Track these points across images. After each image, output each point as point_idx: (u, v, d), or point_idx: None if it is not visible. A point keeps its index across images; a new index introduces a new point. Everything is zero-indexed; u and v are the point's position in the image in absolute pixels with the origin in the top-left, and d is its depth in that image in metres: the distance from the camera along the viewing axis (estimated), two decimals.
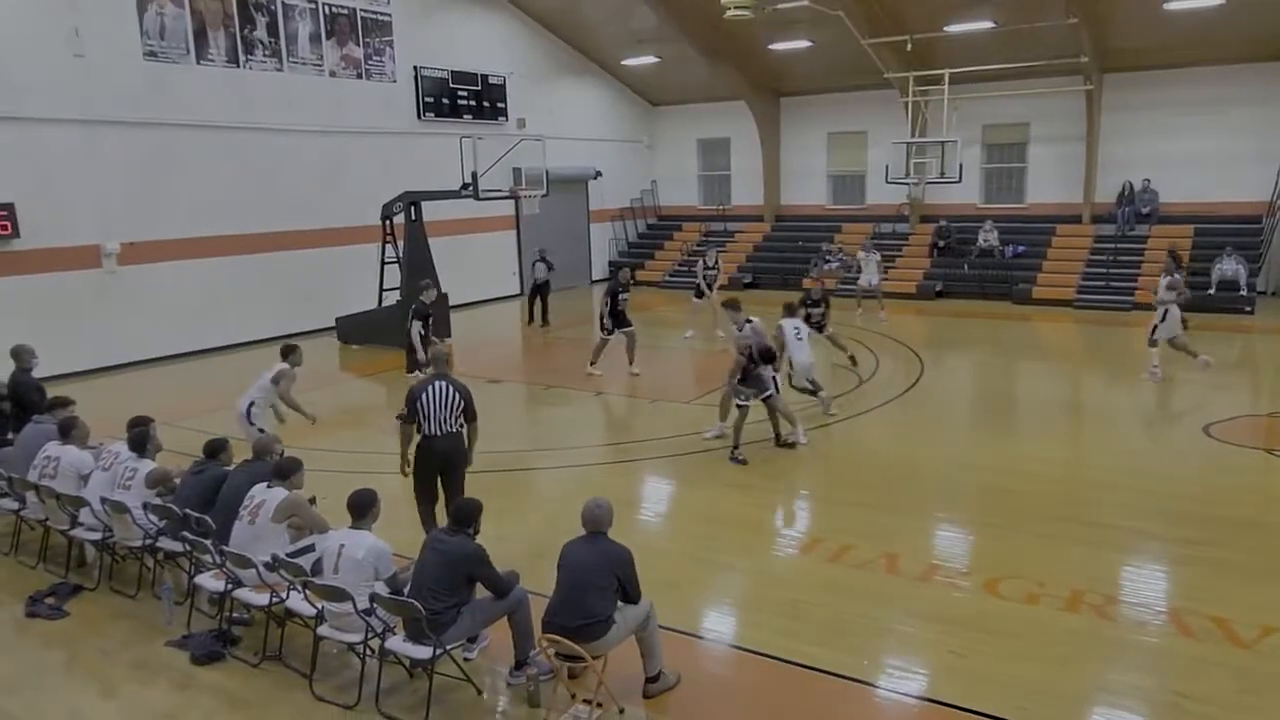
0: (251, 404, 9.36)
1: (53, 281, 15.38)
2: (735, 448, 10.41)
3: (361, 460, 10.09)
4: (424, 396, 7.53)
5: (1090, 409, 13.48)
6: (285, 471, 6.67)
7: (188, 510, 6.84)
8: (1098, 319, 19.43)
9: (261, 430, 8.94)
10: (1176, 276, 13.89)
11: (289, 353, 9.74)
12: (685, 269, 26.28)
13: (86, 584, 7.61)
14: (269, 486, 6.59)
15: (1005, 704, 5.53)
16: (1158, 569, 7.63)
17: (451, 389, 7.55)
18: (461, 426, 7.63)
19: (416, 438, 7.65)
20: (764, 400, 10.65)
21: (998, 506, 8.90)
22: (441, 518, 7.37)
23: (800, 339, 11.90)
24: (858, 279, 20.57)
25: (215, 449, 7.41)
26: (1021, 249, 22.94)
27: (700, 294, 18.15)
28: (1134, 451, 10.65)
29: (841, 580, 7.40)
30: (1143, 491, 9.21)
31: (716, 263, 18.08)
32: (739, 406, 10.44)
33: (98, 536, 7.56)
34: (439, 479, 7.69)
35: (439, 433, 7.54)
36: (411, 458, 7.72)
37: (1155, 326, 13.78)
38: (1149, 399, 13.56)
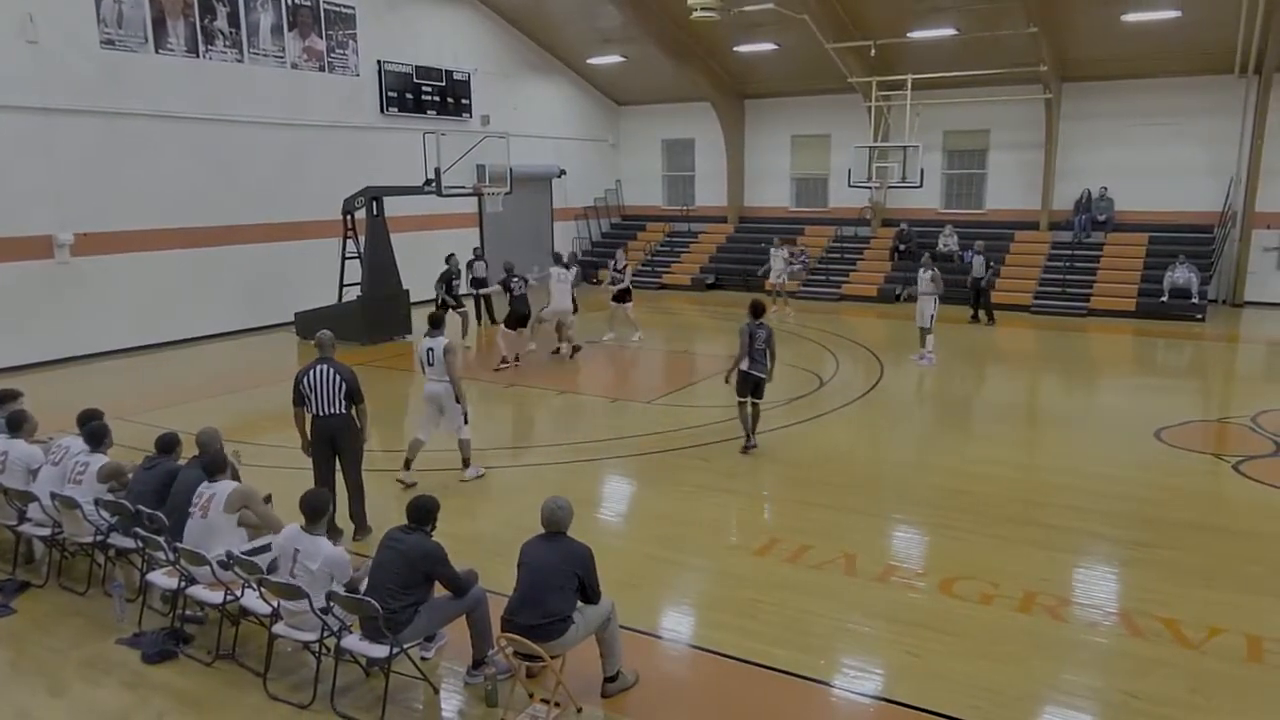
0: (454, 383, 9.47)
1: (3, 272, 15.06)
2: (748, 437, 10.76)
3: None
4: (306, 379, 7.99)
5: (1045, 412, 13.68)
6: (213, 470, 6.62)
7: (140, 506, 6.73)
8: (1054, 324, 19.72)
9: (464, 410, 9.48)
10: (936, 271, 15.68)
11: (438, 323, 9.77)
12: (648, 269, 26.39)
13: (35, 580, 7.46)
14: (211, 482, 6.51)
15: (959, 703, 5.59)
16: (1109, 570, 7.76)
17: (333, 371, 7.98)
18: (348, 408, 8.03)
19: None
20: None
21: (954, 508, 9.00)
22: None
23: (562, 283, 15.33)
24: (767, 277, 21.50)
25: (169, 444, 7.29)
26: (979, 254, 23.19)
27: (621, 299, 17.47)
28: (1087, 455, 10.81)
29: (799, 580, 7.44)
30: (1095, 494, 9.36)
31: (624, 268, 17.46)
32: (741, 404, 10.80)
33: (46, 532, 7.42)
34: (336, 459, 8.11)
35: (323, 413, 7.96)
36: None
37: (932, 316, 15.51)
38: (1102, 404, 13.80)
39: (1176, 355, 17.62)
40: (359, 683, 5.90)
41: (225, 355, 17.19)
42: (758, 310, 10.55)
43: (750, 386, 10.57)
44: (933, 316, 15.55)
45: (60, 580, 7.45)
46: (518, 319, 15.36)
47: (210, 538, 6.28)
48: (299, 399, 8.01)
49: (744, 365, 10.45)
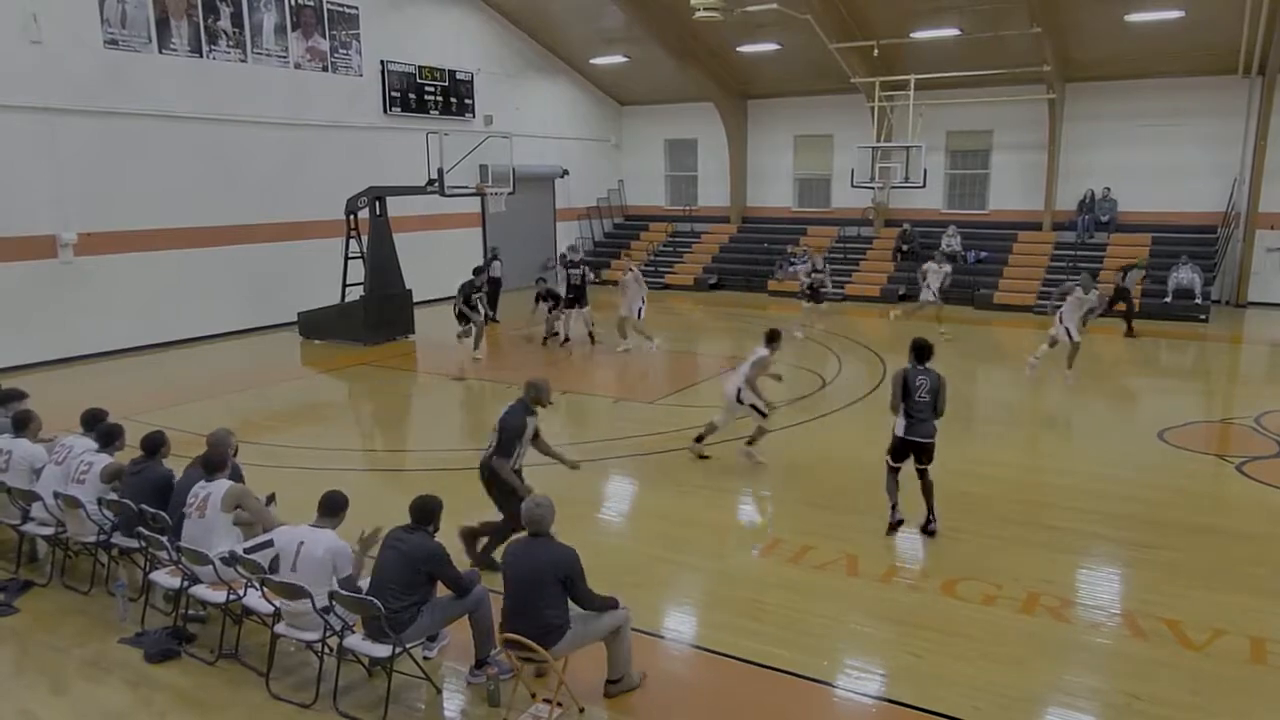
0: (739, 389, 9.95)
1: (6, 271, 15.08)
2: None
3: (322, 456, 10.00)
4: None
5: (1048, 414, 13.64)
6: (211, 468, 6.60)
7: (143, 505, 6.72)
8: None
9: (756, 407, 9.91)
10: (1102, 292, 15.31)
11: (772, 339, 10.12)
12: (652, 269, 26.40)
13: (38, 580, 7.47)
14: (208, 481, 6.52)
15: (960, 704, 5.59)
16: (1112, 572, 7.75)
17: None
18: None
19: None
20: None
21: (957, 509, 8.97)
22: None
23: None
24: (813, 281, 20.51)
25: (154, 444, 7.16)
26: (984, 254, 23.21)
27: (816, 299, 18.17)
28: (1090, 456, 10.80)
29: (802, 581, 7.43)
30: (1098, 495, 9.35)
31: (824, 266, 18.12)
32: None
33: (50, 531, 7.43)
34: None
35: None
36: None
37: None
38: (1105, 405, 13.77)
39: (1180, 356, 17.60)
40: (361, 682, 5.90)
41: (228, 355, 17.21)
42: (922, 352, 8.18)
43: (909, 452, 8.26)
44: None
45: (63, 579, 7.45)
46: (578, 298, 17.42)
47: (208, 537, 6.28)
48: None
49: (899, 429, 8.19)
